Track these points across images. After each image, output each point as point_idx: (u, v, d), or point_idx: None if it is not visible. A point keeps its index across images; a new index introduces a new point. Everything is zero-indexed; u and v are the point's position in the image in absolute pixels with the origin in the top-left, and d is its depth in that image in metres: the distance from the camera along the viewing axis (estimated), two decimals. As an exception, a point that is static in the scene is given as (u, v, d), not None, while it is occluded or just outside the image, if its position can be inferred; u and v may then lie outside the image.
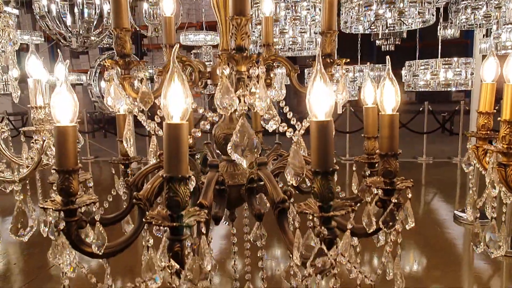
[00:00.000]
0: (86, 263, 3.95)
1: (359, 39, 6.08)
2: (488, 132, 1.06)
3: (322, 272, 0.60)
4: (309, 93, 0.60)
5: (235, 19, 0.69)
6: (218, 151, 0.98)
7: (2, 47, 1.30)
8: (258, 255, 1.03)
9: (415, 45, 6.07)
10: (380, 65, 6.69)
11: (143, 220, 0.57)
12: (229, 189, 0.90)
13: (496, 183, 0.86)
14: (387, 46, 7.18)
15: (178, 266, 0.56)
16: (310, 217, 0.64)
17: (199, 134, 0.79)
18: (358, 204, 1.03)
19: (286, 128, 0.79)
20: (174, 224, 0.55)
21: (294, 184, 0.80)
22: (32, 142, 1.13)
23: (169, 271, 0.56)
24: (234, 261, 1.10)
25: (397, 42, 7.31)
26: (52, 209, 0.67)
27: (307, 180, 1.17)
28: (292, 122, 0.92)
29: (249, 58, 0.73)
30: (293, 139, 0.78)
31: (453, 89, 3.71)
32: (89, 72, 4.38)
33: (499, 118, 0.88)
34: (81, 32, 4.58)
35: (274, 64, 1.03)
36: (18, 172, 1.15)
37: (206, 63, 4.90)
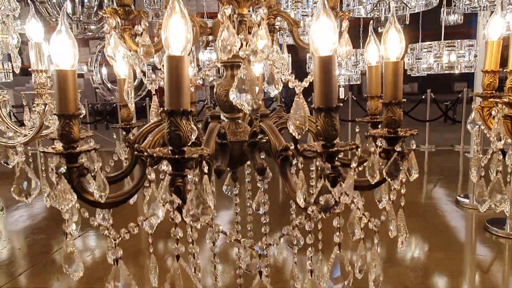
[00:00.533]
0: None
1: (361, 25, 6.03)
2: (494, 91, 1.05)
3: (325, 210, 0.59)
4: (312, 28, 0.59)
5: (237, -43, 0.68)
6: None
7: (1, 18, 1.29)
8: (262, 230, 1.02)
9: (417, 35, 6.02)
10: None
11: (146, 153, 0.57)
12: (231, 145, 0.89)
13: (502, 136, 0.84)
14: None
15: (180, 201, 0.56)
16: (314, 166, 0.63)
17: (200, 82, 0.78)
18: (362, 166, 1.03)
19: (290, 77, 0.78)
20: (176, 156, 0.54)
21: (296, 137, 0.79)
22: (34, 106, 1.12)
23: (171, 207, 0.56)
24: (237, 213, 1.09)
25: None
26: (53, 153, 0.66)
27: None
28: (290, 84, 0.91)
29: (251, 0, 0.72)
30: (295, 86, 0.77)
31: (457, 71, 3.68)
32: (90, 58, 4.37)
33: (505, 69, 0.86)
34: (81, 18, 4.56)
35: (276, 25, 1.02)
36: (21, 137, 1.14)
37: (208, 47, 4.87)
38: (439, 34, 5.14)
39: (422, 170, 6.46)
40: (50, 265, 3.54)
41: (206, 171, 0.60)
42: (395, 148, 0.76)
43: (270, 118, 1.07)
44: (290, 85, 0.80)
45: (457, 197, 4.74)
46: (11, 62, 1.44)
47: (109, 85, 4.77)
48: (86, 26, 4.56)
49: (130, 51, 0.83)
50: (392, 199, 0.82)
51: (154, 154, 0.55)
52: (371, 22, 0.98)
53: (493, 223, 3.87)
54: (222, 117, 0.98)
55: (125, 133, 1.17)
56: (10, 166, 1.37)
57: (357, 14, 4.61)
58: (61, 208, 0.66)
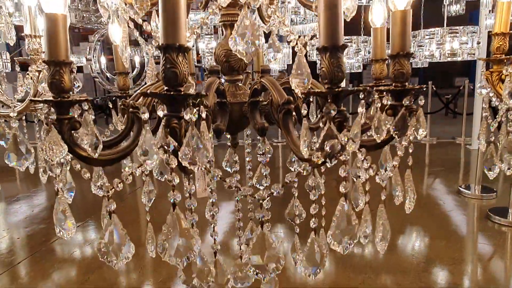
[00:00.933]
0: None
1: (362, 13, 5.98)
2: (504, 55, 1.01)
3: (330, 156, 0.55)
4: (317, -38, 0.56)
5: None
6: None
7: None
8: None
9: (419, 27, 5.97)
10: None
11: (141, 93, 0.53)
12: (231, 107, 0.86)
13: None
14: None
15: (176, 144, 0.52)
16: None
17: (198, 31, 0.74)
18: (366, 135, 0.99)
19: (293, 37, 0.74)
20: (172, 93, 0.50)
21: (299, 94, 0.76)
22: (27, 73, 1.08)
23: (166, 150, 0.52)
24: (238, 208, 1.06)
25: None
26: (41, 101, 0.62)
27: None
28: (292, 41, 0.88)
29: None
30: (297, 43, 0.74)
31: (459, 58, 3.63)
32: (88, 47, 4.33)
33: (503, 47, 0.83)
34: (79, 7, 4.51)
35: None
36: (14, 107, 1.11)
37: (206, 37, 4.76)
38: (442, 25, 5.10)
39: (424, 162, 6.43)
40: (49, 253, 3.52)
41: (204, 116, 0.56)
42: (403, 103, 0.72)
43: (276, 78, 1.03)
44: (292, 43, 0.76)
45: (459, 188, 4.71)
46: (9, 52, 1.40)
47: (108, 74, 4.73)
48: (84, 15, 4.52)
49: (126, 4, 0.79)
50: (399, 156, 0.78)
51: (148, 91, 0.51)
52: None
53: (495, 212, 3.84)
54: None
55: (120, 102, 1.14)
56: (5, 145, 1.34)
57: (358, 2, 4.56)
58: (51, 160, 0.63)
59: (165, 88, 0.53)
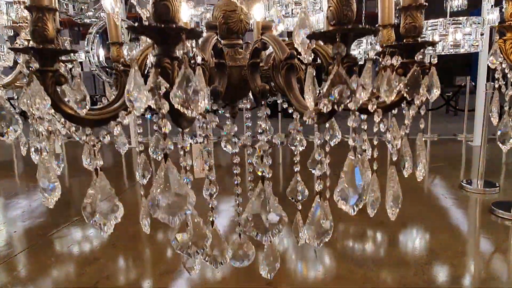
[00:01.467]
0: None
1: (363, 10, 5.93)
2: (518, 22, 0.95)
3: (339, 103, 0.50)
4: None
5: None
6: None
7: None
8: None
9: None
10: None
11: (126, 28, 0.48)
12: (230, 70, 0.80)
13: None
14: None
15: (167, 85, 0.47)
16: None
17: None
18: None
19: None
20: (163, 26, 0.45)
21: (302, 52, 0.70)
22: (16, 43, 1.03)
23: (157, 92, 0.47)
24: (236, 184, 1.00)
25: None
26: (21, 48, 0.57)
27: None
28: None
29: None
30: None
31: (462, 50, 3.58)
32: (87, 38, 4.28)
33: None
34: (78, -1, 4.46)
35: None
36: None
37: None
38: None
39: (426, 158, 6.37)
40: (47, 246, 3.47)
41: (199, 62, 0.51)
42: (416, 58, 0.67)
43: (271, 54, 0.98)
44: (296, -10, 0.70)
45: (461, 183, 4.66)
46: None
47: (108, 70, 4.67)
48: (82, 7, 4.46)
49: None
50: (407, 124, 0.73)
51: (137, 26, 0.46)
52: None
53: (498, 205, 3.79)
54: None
55: (114, 72, 1.08)
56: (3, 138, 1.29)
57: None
58: (33, 113, 0.58)
59: (158, 24, 0.47)
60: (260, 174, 0.58)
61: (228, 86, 0.82)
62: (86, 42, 4.19)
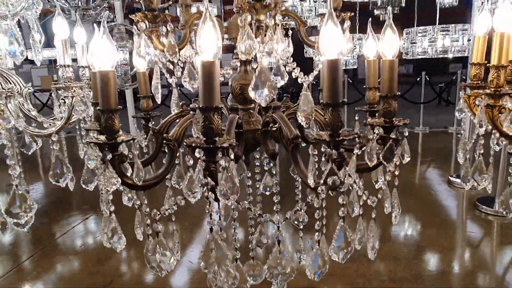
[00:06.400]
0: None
1: (357, 9, 6.07)
2: (479, 82, 1.16)
3: (333, 189, 0.71)
4: (321, 34, 0.70)
5: (255, -29, 0.78)
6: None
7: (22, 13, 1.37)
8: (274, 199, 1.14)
9: (413, 16, 6.07)
10: (378, 34, 6.72)
11: (185, 143, 0.68)
12: (246, 134, 1.01)
13: (484, 123, 0.96)
14: (386, 15, 7.14)
15: (213, 183, 0.67)
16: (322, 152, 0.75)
17: (231, 72, 0.89)
18: (361, 150, 1.15)
19: (298, 73, 0.89)
20: (210, 145, 0.65)
21: (304, 126, 0.91)
22: (62, 99, 1.22)
23: (206, 188, 0.67)
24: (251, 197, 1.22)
25: (395, 12, 7.28)
26: (100, 143, 0.77)
27: (311, 131, 1.28)
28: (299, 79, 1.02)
29: (267, 7, 0.82)
30: (303, 81, 0.88)
31: (450, 55, 3.78)
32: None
33: (488, 64, 0.98)
34: (80, 4, 4.57)
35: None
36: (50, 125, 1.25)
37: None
38: (435, 15, 5.21)
39: (416, 152, 6.63)
40: (55, 249, 3.65)
41: (232, 157, 0.72)
42: (391, 136, 0.88)
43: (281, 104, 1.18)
44: (299, 80, 0.91)
45: (449, 177, 4.91)
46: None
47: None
48: (85, 12, 4.58)
49: (156, 49, 0.93)
50: (387, 180, 0.94)
51: (193, 144, 0.66)
52: (370, 20, 1.08)
53: (482, 201, 4.05)
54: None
55: (144, 121, 1.28)
56: (29, 153, 1.48)
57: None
58: (107, 190, 0.78)
59: (204, 139, 0.68)
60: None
61: (244, 145, 1.03)
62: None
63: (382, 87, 0.88)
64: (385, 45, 0.86)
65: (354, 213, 1.02)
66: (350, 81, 8.30)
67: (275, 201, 1.00)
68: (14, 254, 3.61)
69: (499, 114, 0.96)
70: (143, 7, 0.89)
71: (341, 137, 0.70)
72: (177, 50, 0.92)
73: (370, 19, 1.15)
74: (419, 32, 3.87)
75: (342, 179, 0.71)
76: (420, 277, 2.86)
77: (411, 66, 17.09)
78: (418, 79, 8.49)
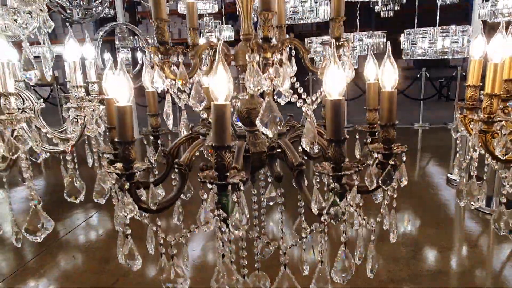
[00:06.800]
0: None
1: (358, 5, 6.08)
2: (475, 103, 1.21)
3: (335, 218, 0.77)
4: (325, 76, 0.75)
5: (263, 13, 0.82)
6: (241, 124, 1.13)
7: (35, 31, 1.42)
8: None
9: (414, 11, 6.08)
10: (379, 32, 6.74)
11: (199, 179, 0.74)
12: (252, 156, 1.06)
13: (477, 147, 1.02)
14: (386, 12, 7.16)
15: (225, 215, 0.73)
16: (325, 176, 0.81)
17: (239, 104, 0.94)
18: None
19: (302, 103, 0.94)
20: (223, 182, 0.71)
21: (308, 151, 0.97)
22: (75, 118, 1.28)
23: (219, 220, 0.73)
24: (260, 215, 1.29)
25: (396, 8, 7.29)
26: (117, 173, 0.83)
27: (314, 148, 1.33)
28: (303, 96, 1.08)
29: (274, 47, 0.87)
30: (307, 112, 0.94)
31: (450, 57, 3.82)
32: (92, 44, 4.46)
33: (482, 92, 1.03)
34: (81, 4, 4.59)
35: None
36: (63, 142, 1.30)
37: (207, 34, 4.89)
38: (436, 9, 5.22)
39: (416, 148, 6.69)
40: (60, 248, 3.72)
41: (242, 188, 0.77)
42: (389, 162, 0.94)
43: (282, 127, 1.23)
44: (303, 109, 0.96)
45: (448, 175, 4.98)
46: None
47: (111, 70, 4.87)
48: (86, 12, 4.60)
49: (166, 78, 0.98)
50: (388, 196, 1.00)
51: (206, 180, 0.72)
52: (371, 45, 1.13)
53: (480, 200, 4.11)
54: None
55: (153, 138, 1.34)
56: (38, 161, 1.54)
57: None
58: (124, 215, 0.84)
59: (216, 174, 0.73)
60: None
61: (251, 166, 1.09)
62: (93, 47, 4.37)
63: (382, 116, 0.93)
64: (384, 77, 0.91)
65: (354, 227, 1.09)
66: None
67: (280, 220, 1.05)
68: (19, 253, 3.68)
69: (492, 139, 1.02)
70: (155, 39, 0.94)
71: (343, 172, 0.76)
72: (188, 79, 0.97)
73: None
74: (419, 34, 3.90)
75: (344, 210, 0.76)
76: (418, 276, 2.94)
77: (412, 59, 17.00)
78: (418, 75, 8.51)
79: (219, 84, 0.71)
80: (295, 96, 0.94)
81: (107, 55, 4.96)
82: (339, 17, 1.02)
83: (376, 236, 1.06)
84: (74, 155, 1.25)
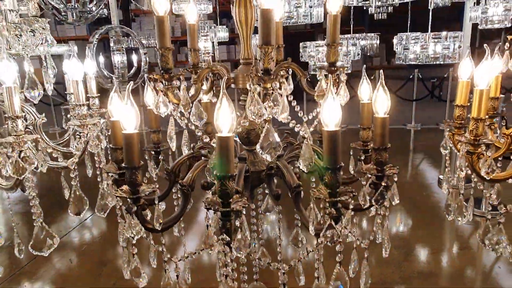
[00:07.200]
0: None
1: (352, 9, 6.14)
2: (462, 121, 1.27)
3: (331, 241, 0.82)
4: (322, 108, 0.80)
5: (263, 47, 0.87)
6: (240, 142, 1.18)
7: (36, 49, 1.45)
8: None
9: (407, 12, 6.15)
10: (372, 34, 6.81)
11: (204, 207, 0.78)
12: (251, 175, 1.11)
13: (463, 167, 1.08)
14: (380, 14, 7.23)
15: (228, 239, 0.78)
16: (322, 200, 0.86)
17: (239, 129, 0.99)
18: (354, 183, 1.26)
19: (300, 128, 0.99)
20: (227, 209, 0.76)
21: (305, 171, 1.02)
22: (78, 135, 1.31)
23: (222, 243, 0.78)
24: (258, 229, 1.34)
25: (389, 11, 7.35)
26: (126, 197, 0.87)
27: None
28: (299, 115, 1.13)
29: (274, 78, 0.92)
30: (304, 134, 0.99)
31: (441, 62, 3.90)
32: (87, 47, 4.45)
33: (469, 115, 1.09)
34: (76, 6, 4.58)
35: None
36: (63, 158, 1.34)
37: (203, 37, 4.90)
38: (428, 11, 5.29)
39: (408, 149, 6.79)
40: (57, 251, 3.76)
41: (244, 213, 0.82)
42: (381, 183, 0.99)
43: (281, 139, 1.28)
44: (301, 133, 1.01)
45: (439, 177, 5.07)
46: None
47: (105, 72, 4.87)
48: (81, 14, 4.59)
49: (169, 102, 1.02)
50: (381, 213, 1.06)
51: (211, 208, 0.77)
52: (364, 67, 1.19)
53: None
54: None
55: (154, 153, 1.38)
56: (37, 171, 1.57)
57: (349, 3, 4.74)
58: (132, 236, 0.89)
59: (220, 201, 0.78)
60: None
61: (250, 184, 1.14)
62: (87, 49, 4.38)
63: (375, 141, 0.99)
64: (377, 104, 0.97)
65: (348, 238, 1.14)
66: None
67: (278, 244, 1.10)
68: (15, 256, 3.69)
69: (478, 160, 1.08)
70: (159, 66, 0.98)
71: (339, 198, 0.81)
72: (190, 103, 1.02)
73: (364, 66, 1.25)
74: (412, 39, 3.98)
75: (339, 233, 0.82)
76: (410, 278, 3.02)
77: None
78: (411, 76, 8.60)
79: (223, 117, 0.75)
80: (293, 121, 0.99)
81: (102, 58, 4.98)
82: (334, 44, 1.07)
83: (367, 236, 1.12)
84: (76, 173, 1.28)
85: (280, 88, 0.91)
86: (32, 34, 1.34)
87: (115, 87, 0.97)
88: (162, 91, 0.97)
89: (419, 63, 3.96)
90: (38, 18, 1.33)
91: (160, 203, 1.33)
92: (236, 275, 0.86)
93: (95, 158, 1.35)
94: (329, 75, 0.83)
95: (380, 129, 0.97)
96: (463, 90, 1.25)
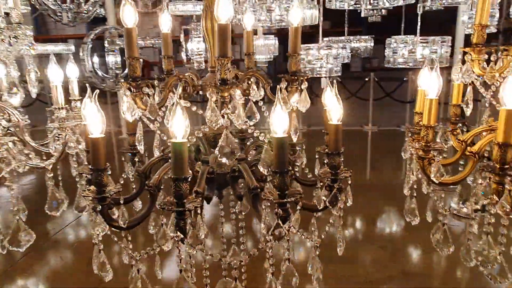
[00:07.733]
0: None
1: (346, 12, 6.19)
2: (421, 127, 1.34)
3: (279, 238, 0.89)
4: (271, 117, 0.87)
5: (220, 60, 0.94)
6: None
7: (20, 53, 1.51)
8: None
9: (407, 15, 6.21)
10: (367, 36, 6.87)
11: (159, 206, 0.85)
12: (217, 176, 1.18)
13: (414, 171, 1.15)
14: (374, 17, 7.29)
15: (182, 236, 0.85)
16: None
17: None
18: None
19: (258, 133, 1.06)
20: (180, 209, 0.83)
21: (265, 174, 1.09)
22: (56, 136, 1.38)
23: (176, 240, 0.85)
24: (222, 229, 1.41)
25: (383, 13, 7.41)
26: (91, 197, 0.94)
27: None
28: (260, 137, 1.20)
29: (231, 87, 0.98)
30: (264, 139, 1.06)
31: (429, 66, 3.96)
32: (81, 47, 4.51)
33: (421, 122, 1.16)
34: (71, 7, 4.65)
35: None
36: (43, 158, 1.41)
37: (195, 38, 4.93)
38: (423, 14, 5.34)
39: (399, 151, 6.83)
40: (49, 248, 3.79)
41: (199, 211, 0.89)
42: (335, 186, 1.06)
43: (249, 146, 1.36)
44: (261, 138, 1.08)
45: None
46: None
47: (100, 73, 4.94)
48: (76, 15, 4.66)
49: (138, 108, 1.09)
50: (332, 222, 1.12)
51: (166, 207, 0.83)
52: (328, 78, 1.25)
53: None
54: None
55: (130, 154, 1.45)
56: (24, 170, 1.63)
57: (340, 6, 4.80)
58: (97, 234, 0.95)
59: (175, 201, 0.85)
60: None
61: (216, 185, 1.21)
62: (81, 51, 4.43)
63: (329, 146, 1.05)
64: (331, 112, 1.03)
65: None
66: (376, 79, 8.37)
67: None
68: (8, 252, 3.75)
69: (429, 165, 1.14)
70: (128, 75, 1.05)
71: (286, 199, 0.88)
72: (157, 109, 1.08)
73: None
74: (401, 43, 4.04)
75: (286, 231, 0.89)
76: (396, 278, 3.08)
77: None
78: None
79: (177, 124, 0.82)
80: (252, 127, 1.05)
81: (95, 58, 5.04)
82: (295, 54, 1.14)
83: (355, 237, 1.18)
84: (58, 172, 1.35)
85: (248, 95, 0.98)
86: (15, 39, 1.41)
87: (88, 92, 1.03)
88: (130, 98, 1.04)
89: (408, 67, 4.03)
90: (21, 25, 1.39)
91: (136, 202, 1.40)
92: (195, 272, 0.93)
93: (75, 159, 1.42)
94: (278, 87, 0.90)
95: (334, 135, 1.04)
96: (421, 98, 1.32)
